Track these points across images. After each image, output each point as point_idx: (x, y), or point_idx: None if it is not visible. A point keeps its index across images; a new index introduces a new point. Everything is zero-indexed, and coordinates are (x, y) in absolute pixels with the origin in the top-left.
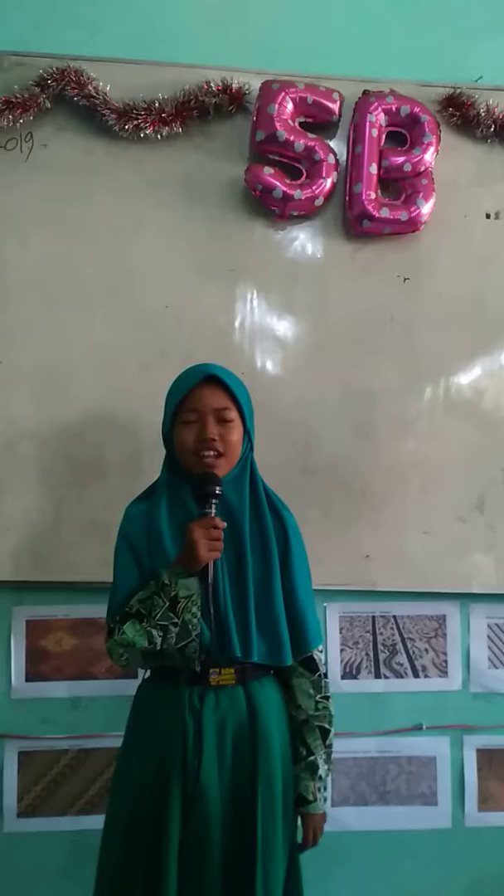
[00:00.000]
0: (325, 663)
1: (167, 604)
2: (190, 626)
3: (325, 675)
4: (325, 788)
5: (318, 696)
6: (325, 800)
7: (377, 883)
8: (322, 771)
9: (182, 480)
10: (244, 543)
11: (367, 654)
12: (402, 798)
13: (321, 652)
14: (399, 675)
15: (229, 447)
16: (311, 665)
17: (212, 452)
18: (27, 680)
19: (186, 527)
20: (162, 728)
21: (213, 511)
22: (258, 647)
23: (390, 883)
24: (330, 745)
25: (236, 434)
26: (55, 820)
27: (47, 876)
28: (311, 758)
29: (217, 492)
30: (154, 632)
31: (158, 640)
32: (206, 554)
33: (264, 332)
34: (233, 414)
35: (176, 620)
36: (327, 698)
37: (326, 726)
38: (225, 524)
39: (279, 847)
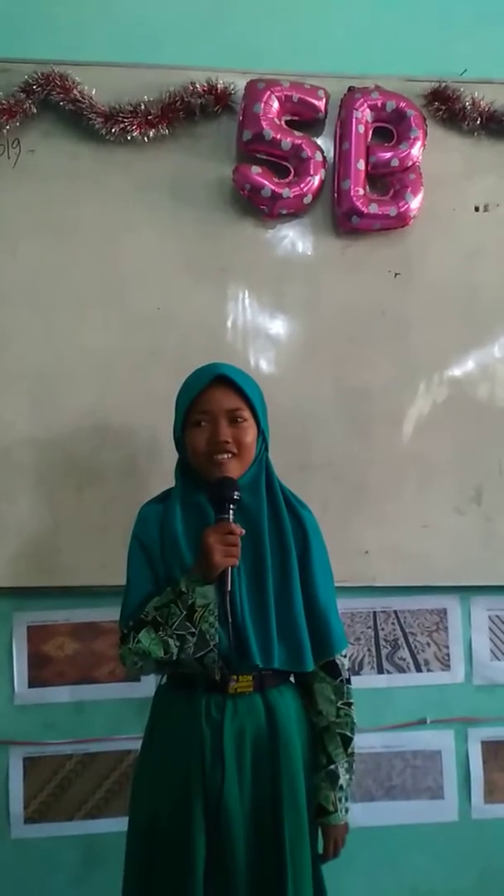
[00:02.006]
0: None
1: (184, 613)
2: (207, 637)
3: (349, 681)
4: (346, 799)
5: (340, 702)
6: (346, 810)
7: (386, 878)
8: (343, 780)
9: (196, 484)
10: (263, 547)
11: (369, 650)
12: (408, 792)
13: (345, 657)
14: (402, 670)
15: (243, 448)
16: (333, 670)
17: (226, 455)
18: (30, 686)
19: (202, 532)
20: (179, 738)
21: (231, 516)
22: (279, 653)
23: (399, 877)
24: (352, 754)
25: (250, 435)
26: (62, 825)
27: (55, 881)
28: (332, 766)
29: (235, 497)
30: (171, 641)
31: (175, 650)
32: (220, 560)
33: (257, 331)
34: (246, 414)
35: (193, 630)
36: (349, 705)
37: (348, 734)
38: (243, 531)
39: (306, 859)
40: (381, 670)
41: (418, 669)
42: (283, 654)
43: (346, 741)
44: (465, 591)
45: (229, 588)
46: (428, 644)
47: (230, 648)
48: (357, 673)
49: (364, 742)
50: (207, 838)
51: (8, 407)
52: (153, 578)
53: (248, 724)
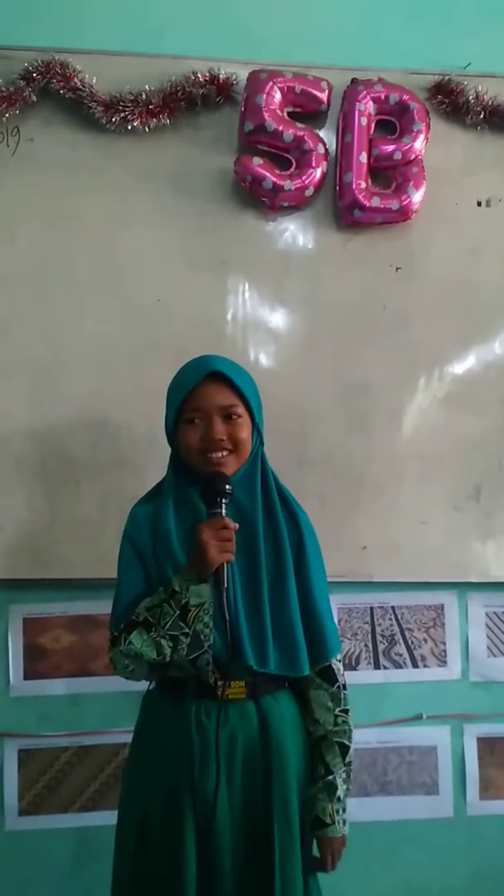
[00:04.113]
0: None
1: (177, 612)
2: (202, 637)
3: (345, 687)
4: (343, 810)
5: (338, 709)
6: (343, 822)
7: (380, 873)
8: (341, 791)
9: (189, 480)
10: (258, 545)
11: (365, 645)
12: (403, 788)
13: (340, 661)
14: (398, 666)
15: (238, 444)
16: (329, 675)
17: (221, 453)
18: (25, 678)
19: (195, 528)
20: (167, 746)
21: (224, 511)
22: (274, 655)
23: (393, 873)
24: (349, 764)
25: (245, 431)
26: (56, 817)
27: (49, 874)
28: (330, 777)
29: (227, 490)
30: (164, 642)
31: (168, 652)
32: (216, 556)
33: (257, 325)
34: (240, 410)
35: (187, 630)
36: (346, 712)
37: (346, 742)
38: (237, 525)
39: (297, 870)
40: (377, 666)
41: (415, 665)
42: (277, 658)
43: (344, 750)
44: (463, 588)
45: (225, 585)
46: (425, 640)
47: (225, 648)
48: (353, 668)
49: (360, 737)
50: (198, 848)
51: (5, 398)
52: (145, 579)
53: (239, 732)
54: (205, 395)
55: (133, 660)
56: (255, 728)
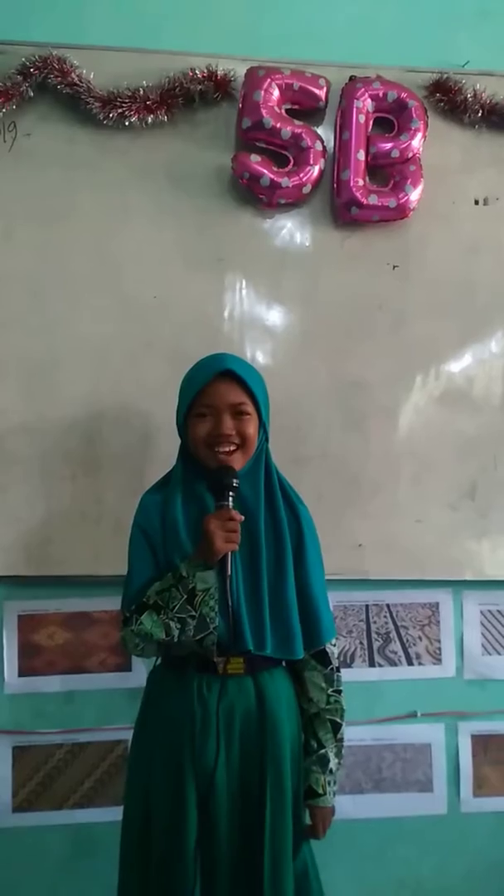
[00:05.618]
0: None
1: (185, 597)
2: (208, 620)
3: (338, 669)
4: (334, 783)
5: (331, 689)
6: (334, 794)
7: (374, 870)
8: (333, 764)
9: (197, 473)
10: (258, 537)
11: (360, 643)
12: (397, 785)
13: (334, 645)
14: (393, 663)
15: (246, 440)
16: (323, 658)
17: (229, 447)
18: (20, 675)
19: (203, 519)
20: (170, 716)
21: (230, 503)
22: (271, 640)
23: (387, 870)
24: (341, 740)
25: (252, 427)
26: (51, 814)
27: (44, 871)
28: (322, 751)
29: (234, 484)
30: (172, 624)
31: (176, 633)
32: (222, 545)
33: (253, 322)
34: (249, 408)
35: (194, 613)
36: (339, 692)
37: (338, 720)
38: (242, 517)
39: (287, 837)
40: (372, 663)
41: (409, 663)
42: (274, 642)
43: (336, 727)
44: (458, 586)
45: (229, 573)
46: (420, 638)
47: (228, 632)
48: (349, 665)
49: (354, 734)
50: (198, 813)
51: (1, 395)
52: (154, 564)
53: (237, 704)
54: (216, 392)
55: (143, 639)
56: (252, 701)
